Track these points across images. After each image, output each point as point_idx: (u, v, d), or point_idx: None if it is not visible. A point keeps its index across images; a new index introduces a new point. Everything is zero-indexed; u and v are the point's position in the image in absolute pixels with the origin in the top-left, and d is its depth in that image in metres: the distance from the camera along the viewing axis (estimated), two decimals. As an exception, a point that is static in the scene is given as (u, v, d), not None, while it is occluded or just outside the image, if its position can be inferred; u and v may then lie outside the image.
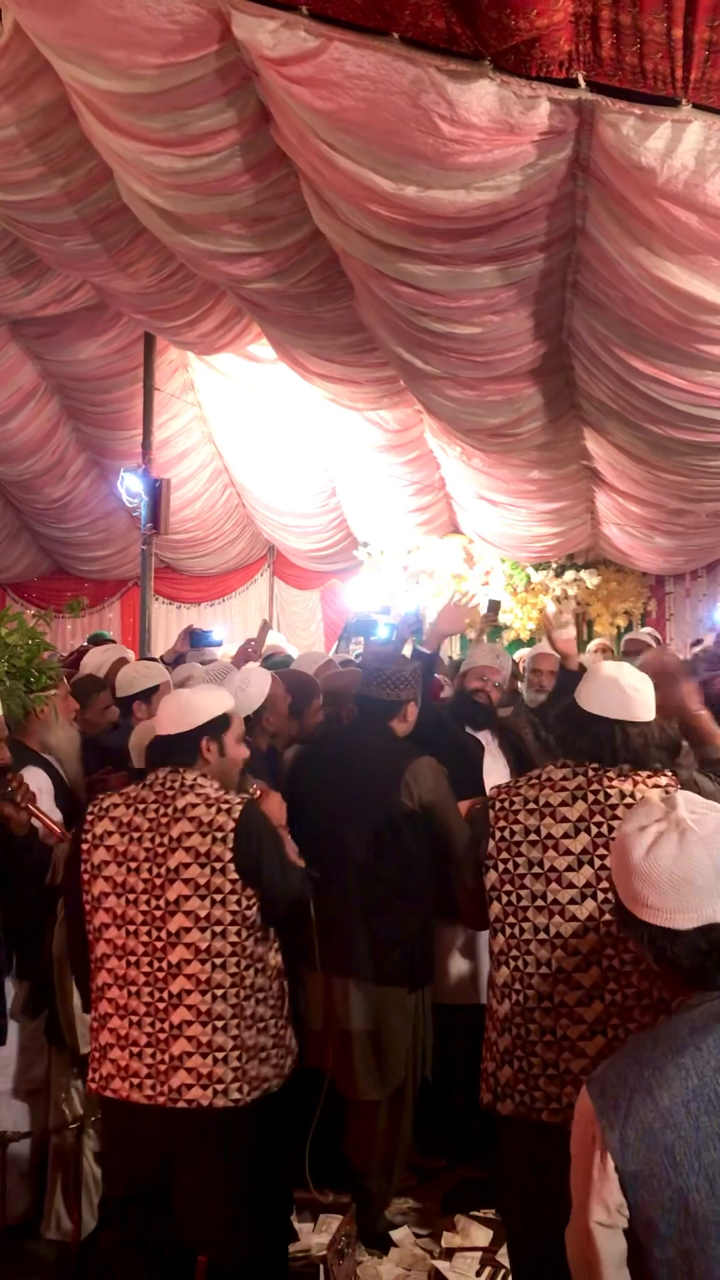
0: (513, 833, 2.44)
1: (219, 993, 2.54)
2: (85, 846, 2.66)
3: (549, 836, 2.40)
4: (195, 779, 2.66)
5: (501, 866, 2.44)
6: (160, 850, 2.59)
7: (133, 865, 2.61)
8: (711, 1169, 1.40)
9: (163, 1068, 2.51)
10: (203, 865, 2.56)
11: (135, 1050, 2.54)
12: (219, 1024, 2.53)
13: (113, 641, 7.39)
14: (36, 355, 8.87)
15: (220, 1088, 2.50)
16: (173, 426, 9.82)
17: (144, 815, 2.64)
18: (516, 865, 2.43)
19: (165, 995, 2.53)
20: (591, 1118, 1.48)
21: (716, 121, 3.18)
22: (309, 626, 12.18)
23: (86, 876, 2.65)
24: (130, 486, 8.75)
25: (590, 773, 2.41)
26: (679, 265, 3.67)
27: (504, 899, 2.43)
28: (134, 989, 2.57)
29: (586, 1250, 1.49)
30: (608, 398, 5.34)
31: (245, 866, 2.56)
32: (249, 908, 2.58)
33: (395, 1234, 3.51)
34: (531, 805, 2.44)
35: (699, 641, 6.62)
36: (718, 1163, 1.40)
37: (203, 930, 2.54)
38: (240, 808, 2.60)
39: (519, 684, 6.33)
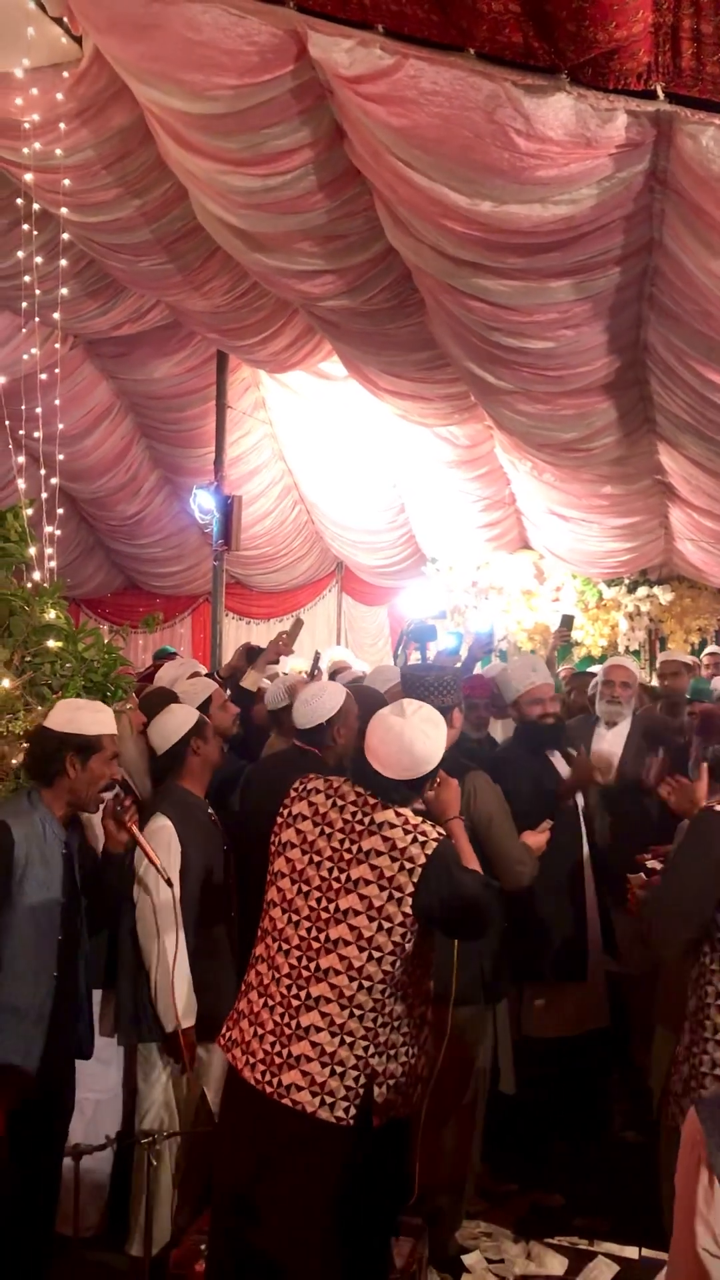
0: None
1: (358, 1012, 2.51)
2: (279, 821, 2.68)
3: None
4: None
5: None
6: (346, 856, 2.58)
7: (316, 859, 2.60)
8: None
9: (278, 1060, 2.49)
10: (382, 889, 2.53)
11: (260, 1032, 2.54)
12: (348, 1039, 2.50)
13: (176, 655, 7.47)
14: (110, 374, 8.99)
15: (329, 1101, 2.46)
16: (244, 444, 9.91)
17: (341, 813, 2.63)
18: None
19: (303, 995, 2.52)
20: (701, 1140, 1.44)
21: None
22: (376, 642, 12.18)
23: (272, 849, 2.67)
24: (203, 504, 8.84)
25: None
26: (758, 276, 3.61)
27: None
28: (278, 975, 2.57)
29: (696, 1278, 1.44)
30: (684, 411, 5.26)
31: (423, 904, 2.54)
32: (409, 940, 2.55)
33: (467, 1259, 3.46)
34: None
35: None
36: None
37: (360, 950, 2.52)
38: (435, 844, 2.57)
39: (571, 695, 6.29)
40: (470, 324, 4.70)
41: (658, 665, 7.13)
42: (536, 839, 3.47)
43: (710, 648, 9.65)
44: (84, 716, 2.93)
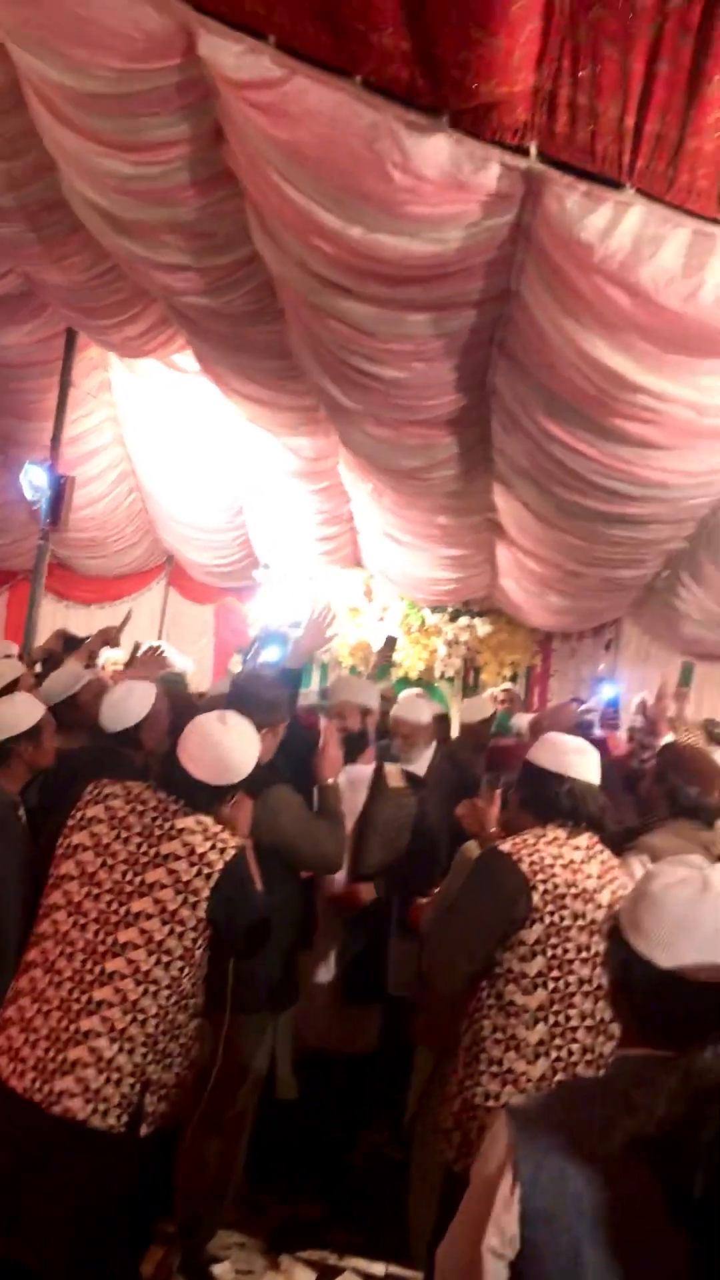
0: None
1: (140, 1017, 2.49)
2: (70, 824, 2.63)
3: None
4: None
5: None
6: (143, 860, 2.56)
7: (110, 861, 2.57)
8: (610, 1229, 1.40)
9: (51, 1067, 2.43)
10: (177, 892, 2.54)
11: (32, 1038, 2.47)
12: (128, 1046, 2.47)
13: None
14: (-48, 334, 8.61)
15: (103, 1108, 2.43)
16: (85, 424, 9.64)
17: (140, 818, 2.61)
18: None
19: (85, 999, 2.48)
20: (508, 1145, 1.47)
21: (656, 209, 3.29)
22: (199, 640, 12.06)
23: (59, 852, 2.61)
24: (34, 480, 8.56)
25: None
26: (604, 341, 3.78)
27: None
28: (58, 979, 2.50)
29: (470, 1274, 1.47)
30: (521, 457, 5.45)
31: (217, 910, 2.54)
32: (200, 947, 2.55)
33: (217, 1269, 3.46)
34: None
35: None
36: (616, 1225, 1.41)
37: (150, 954, 2.50)
38: (234, 852, 2.59)
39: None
40: (328, 342, 4.74)
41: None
42: (328, 763, 3.65)
43: (505, 684, 10.02)
44: None
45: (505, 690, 9.55)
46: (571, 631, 10.51)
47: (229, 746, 2.75)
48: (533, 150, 3.27)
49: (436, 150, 3.28)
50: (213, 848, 2.59)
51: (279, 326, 5.38)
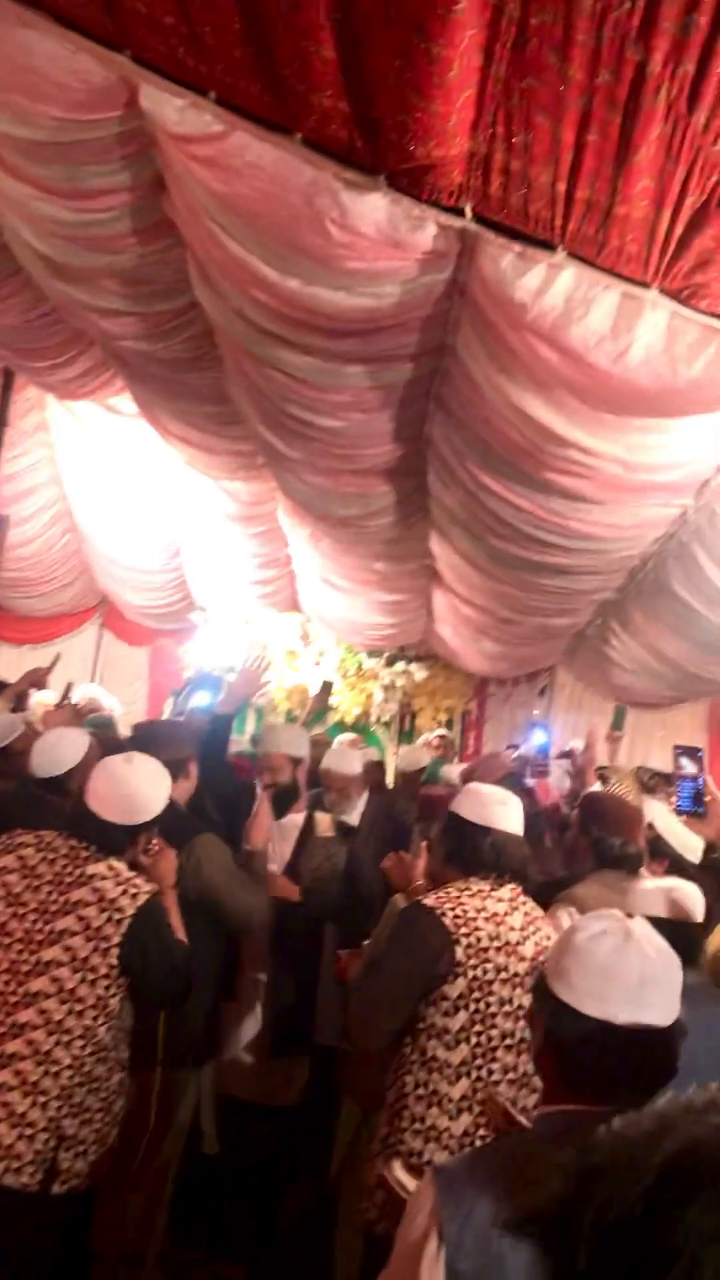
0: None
1: (54, 1069, 2.43)
2: None
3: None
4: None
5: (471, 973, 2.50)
6: (53, 908, 2.52)
7: (20, 910, 2.54)
8: None
9: None
10: (88, 939, 2.50)
11: None
12: (41, 1099, 2.41)
13: None
14: None
15: (15, 1165, 2.36)
16: (20, 464, 9.56)
17: (51, 866, 2.56)
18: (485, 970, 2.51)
19: None
20: (434, 1207, 1.46)
21: (587, 272, 3.38)
22: (133, 683, 11.95)
23: None
24: (-33, 518, 8.48)
25: None
26: (536, 397, 3.86)
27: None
28: None
29: None
30: (456, 506, 5.52)
31: (130, 956, 2.49)
32: (114, 995, 2.50)
33: (138, 1335, 3.37)
34: None
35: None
36: None
37: (62, 1003, 2.45)
38: (146, 897, 2.56)
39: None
40: (266, 390, 4.77)
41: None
42: (258, 831, 3.62)
43: (439, 730, 10.07)
44: None
45: (439, 736, 9.61)
46: (506, 677, 10.61)
47: (135, 784, 2.75)
48: (468, 211, 3.35)
49: (374, 208, 3.34)
50: (124, 893, 2.56)
51: (218, 373, 5.41)
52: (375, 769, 7.42)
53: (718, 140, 2.82)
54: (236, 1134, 3.99)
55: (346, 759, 5.36)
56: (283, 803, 4.50)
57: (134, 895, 2.56)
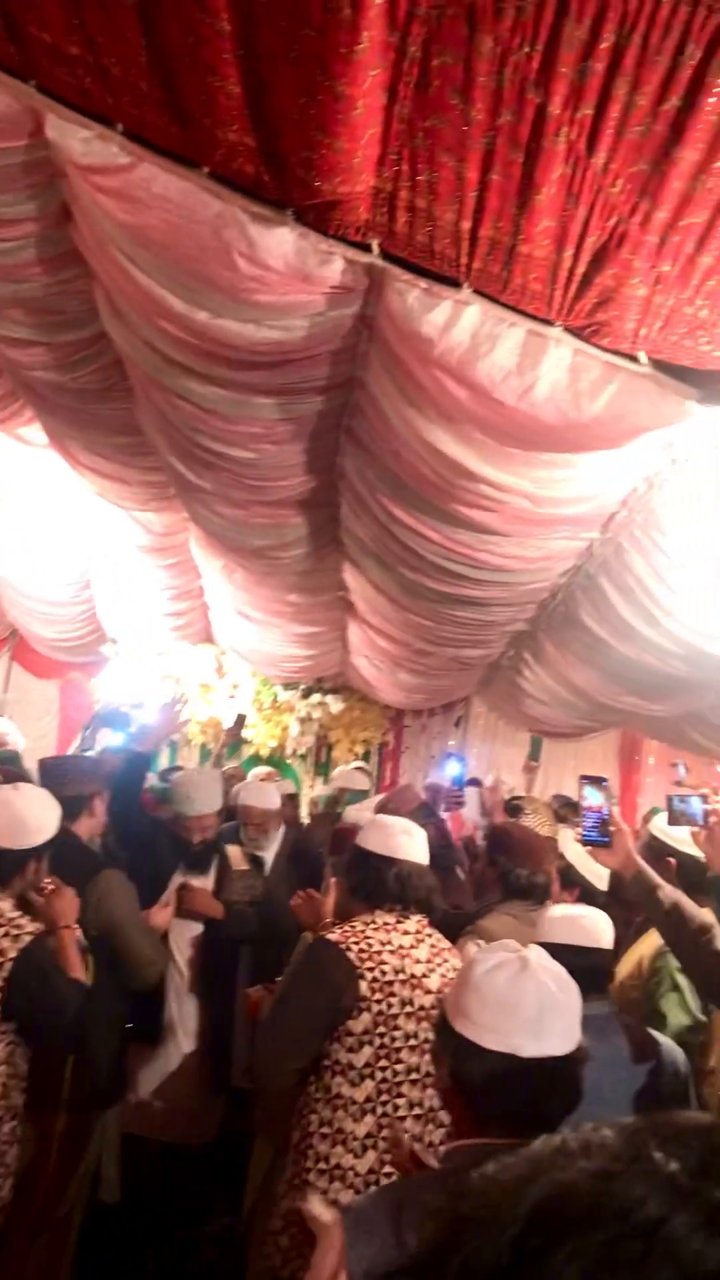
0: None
1: None
2: None
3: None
4: None
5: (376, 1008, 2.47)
6: None
7: None
8: None
9: None
10: None
11: None
12: None
13: None
14: None
15: None
16: None
17: None
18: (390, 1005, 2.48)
19: None
20: (340, 1248, 1.43)
21: (493, 309, 3.43)
22: (44, 717, 11.72)
23: None
24: None
25: None
26: (445, 431, 3.90)
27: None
28: None
29: None
30: (368, 538, 5.54)
31: (12, 1001, 2.41)
32: (2, 1043, 2.41)
33: None
34: None
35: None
36: None
37: None
38: (29, 939, 2.47)
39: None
40: (176, 421, 4.74)
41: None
42: (160, 916, 3.54)
43: (357, 762, 10.07)
44: None
45: (357, 768, 9.60)
46: (422, 709, 10.66)
47: (20, 808, 2.72)
48: (375, 247, 3.38)
49: (282, 242, 3.35)
50: (4, 935, 2.49)
51: (128, 404, 5.36)
52: (289, 803, 7.40)
53: (616, 181, 2.89)
54: (147, 1178, 3.89)
55: (264, 794, 5.33)
56: (202, 863, 4.48)
57: (15, 937, 2.49)
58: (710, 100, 2.43)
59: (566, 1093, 1.61)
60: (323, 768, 11.21)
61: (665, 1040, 2.84)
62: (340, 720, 10.89)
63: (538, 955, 1.70)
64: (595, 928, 2.80)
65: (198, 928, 4.24)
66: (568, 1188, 0.55)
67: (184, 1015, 4.19)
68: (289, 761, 11.14)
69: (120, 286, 3.87)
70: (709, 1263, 0.50)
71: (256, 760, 10.82)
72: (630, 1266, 0.51)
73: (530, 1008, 1.58)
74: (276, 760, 10.99)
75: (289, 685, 10.74)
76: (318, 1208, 2.03)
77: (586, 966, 2.73)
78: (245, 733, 10.54)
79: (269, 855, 5.30)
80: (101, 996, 3.05)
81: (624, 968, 3.55)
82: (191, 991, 4.22)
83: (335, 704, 10.73)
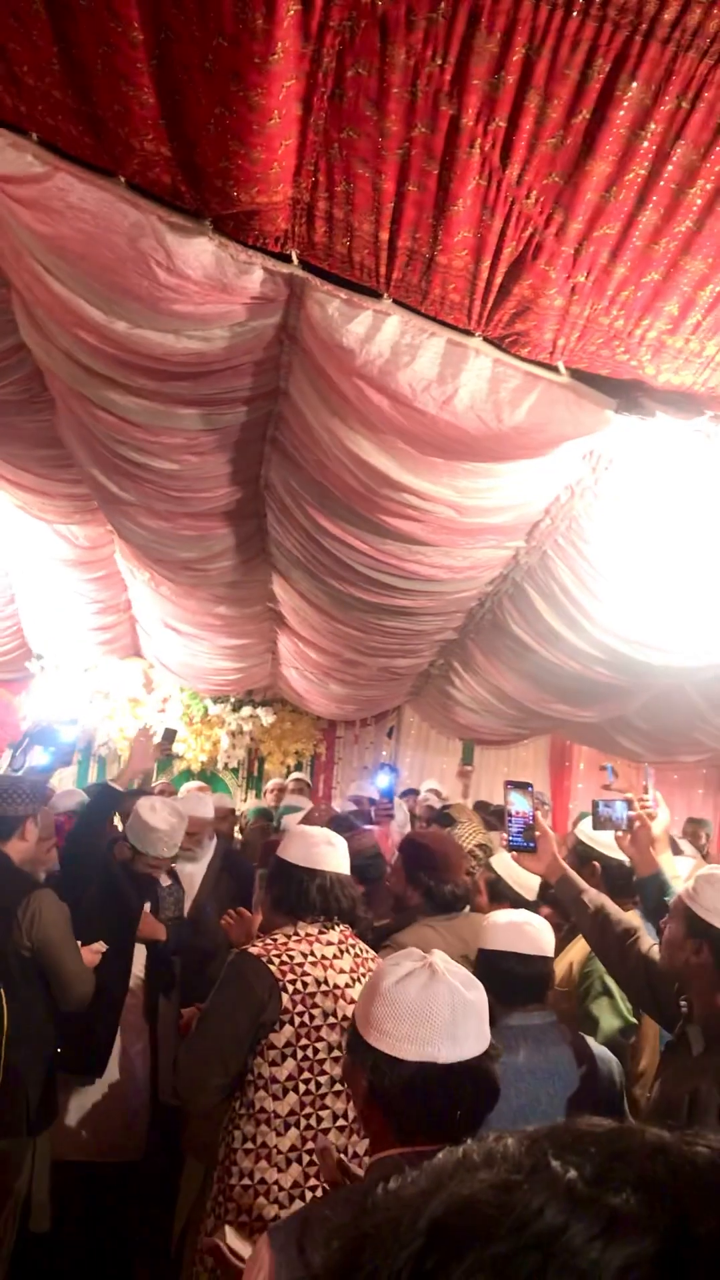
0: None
1: None
2: None
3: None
4: None
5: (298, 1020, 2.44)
6: None
7: None
8: None
9: None
10: None
11: None
12: None
13: None
14: None
15: None
16: None
17: None
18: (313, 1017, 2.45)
19: None
20: (270, 1270, 1.41)
21: (412, 320, 3.44)
22: (-31, 735, 11.49)
23: None
24: None
25: None
26: (369, 441, 3.91)
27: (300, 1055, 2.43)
28: None
29: None
30: (295, 548, 5.53)
31: None
32: None
33: None
34: None
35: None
36: None
37: None
38: None
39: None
40: (98, 433, 4.69)
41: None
42: (89, 954, 3.48)
43: (295, 774, 10.04)
44: None
45: (296, 779, 9.56)
46: (354, 719, 10.67)
47: None
48: (294, 257, 3.38)
49: (200, 252, 3.33)
50: None
51: (49, 416, 5.29)
52: (228, 816, 7.36)
53: (531, 193, 2.92)
54: (77, 1202, 3.81)
55: (199, 803, 5.31)
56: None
57: None
58: (619, 113, 2.47)
59: (485, 1093, 1.61)
60: (254, 781, 11.15)
61: (599, 1049, 2.85)
62: (271, 733, 10.84)
63: (444, 960, 1.70)
64: (539, 935, 2.80)
65: (143, 953, 4.18)
66: (467, 1200, 0.55)
67: (129, 1041, 4.12)
68: (220, 775, 11.06)
69: (38, 297, 3.81)
70: (606, 1271, 0.50)
71: (188, 775, 10.72)
72: (528, 1278, 0.50)
73: (444, 1014, 1.58)
74: (208, 775, 10.90)
75: (219, 698, 10.67)
76: (233, 1240, 2.00)
77: (530, 975, 2.74)
78: (176, 747, 10.44)
79: (201, 866, 5.25)
80: (32, 1018, 2.99)
81: (558, 973, 3.57)
82: (139, 1017, 4.16)
83: (266, 716, 10.69)
